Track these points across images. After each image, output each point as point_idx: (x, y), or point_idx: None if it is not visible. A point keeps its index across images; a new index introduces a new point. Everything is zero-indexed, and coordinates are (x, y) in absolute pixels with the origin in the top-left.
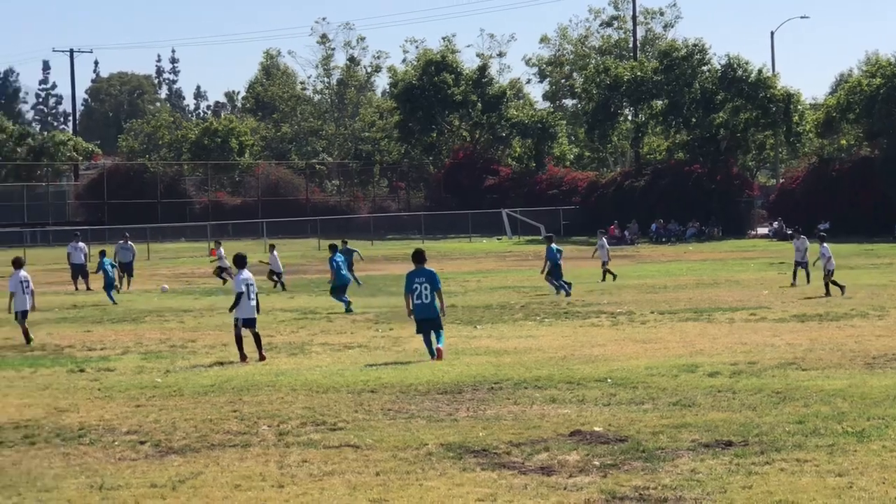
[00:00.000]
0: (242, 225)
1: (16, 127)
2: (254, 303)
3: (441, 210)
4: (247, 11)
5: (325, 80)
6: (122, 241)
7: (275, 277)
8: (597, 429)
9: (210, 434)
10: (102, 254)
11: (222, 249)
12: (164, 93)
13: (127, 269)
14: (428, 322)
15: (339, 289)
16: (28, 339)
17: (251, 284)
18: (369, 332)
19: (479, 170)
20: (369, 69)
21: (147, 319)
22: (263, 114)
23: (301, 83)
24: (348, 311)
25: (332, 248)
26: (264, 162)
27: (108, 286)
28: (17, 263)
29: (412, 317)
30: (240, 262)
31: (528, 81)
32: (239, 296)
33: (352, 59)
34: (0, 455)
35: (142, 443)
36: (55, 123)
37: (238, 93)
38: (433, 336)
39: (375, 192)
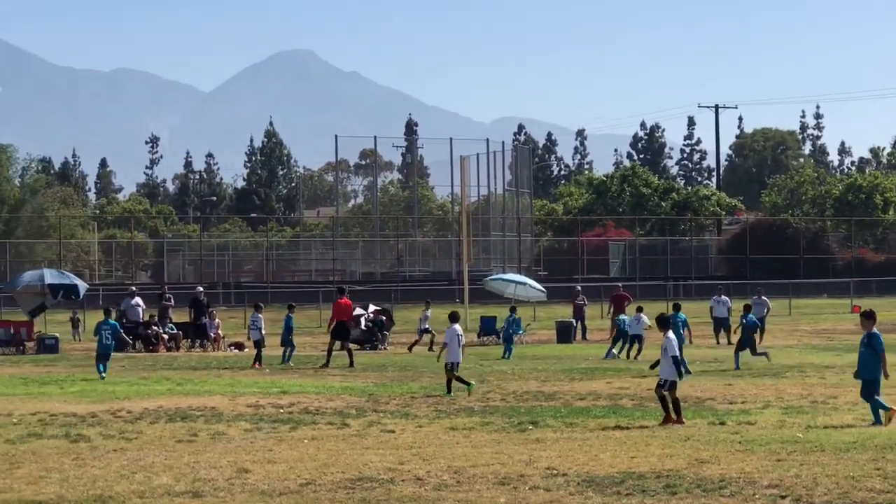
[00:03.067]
0: (886, 282)
1: (661, 182)
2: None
3: None
4: (892, 65)
5: None
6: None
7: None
8: None
9: (852, 491)
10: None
11: None
12: (807, 148)
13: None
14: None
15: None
16: (449, 390)
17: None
18: None
19: None
20: None
21: (788, 374)
22: None
23: None
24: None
25: None
26: None
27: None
28: (454, 318)
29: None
30: None
31: None
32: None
33: None
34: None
35: (782, 497)
36: (699, 178)
37: (883, 148)
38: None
39: None
